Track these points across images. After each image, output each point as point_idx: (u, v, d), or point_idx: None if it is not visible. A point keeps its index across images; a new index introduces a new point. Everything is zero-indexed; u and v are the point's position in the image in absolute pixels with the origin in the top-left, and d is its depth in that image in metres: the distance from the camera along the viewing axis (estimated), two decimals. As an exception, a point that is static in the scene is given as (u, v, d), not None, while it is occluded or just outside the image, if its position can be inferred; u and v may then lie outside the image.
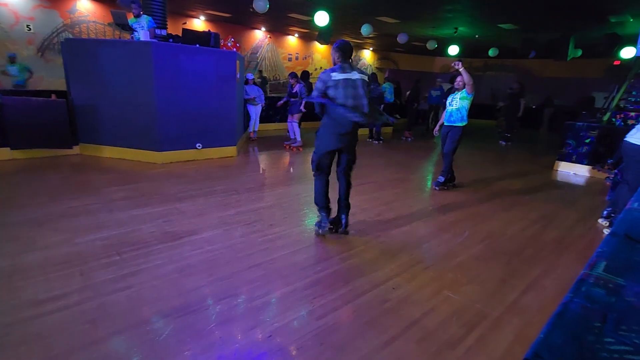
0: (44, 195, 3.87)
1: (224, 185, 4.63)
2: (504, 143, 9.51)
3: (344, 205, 3.23)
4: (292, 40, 15.07)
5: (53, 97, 5.86)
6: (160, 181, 4.64)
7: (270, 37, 14.49)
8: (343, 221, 3.23)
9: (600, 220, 3.96)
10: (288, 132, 7.45)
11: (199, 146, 5.71)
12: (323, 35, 11.04)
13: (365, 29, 10.38)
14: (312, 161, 3.14)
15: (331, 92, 2.87)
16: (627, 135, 3.38)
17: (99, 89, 5.39)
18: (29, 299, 2.14)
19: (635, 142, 3.24)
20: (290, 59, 15.16)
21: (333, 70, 2.88)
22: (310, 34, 13.98)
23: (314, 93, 2.95)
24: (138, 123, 5.35)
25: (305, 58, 15.61)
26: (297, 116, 6.97)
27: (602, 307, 0.69)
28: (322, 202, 3.16)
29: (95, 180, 4.49)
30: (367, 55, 17.91)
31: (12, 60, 8.48)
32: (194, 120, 5.58)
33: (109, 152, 5.56)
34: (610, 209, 3.87)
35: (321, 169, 3.10)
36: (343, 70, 2.88)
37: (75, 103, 5.47)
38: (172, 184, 4.51)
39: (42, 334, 1.87)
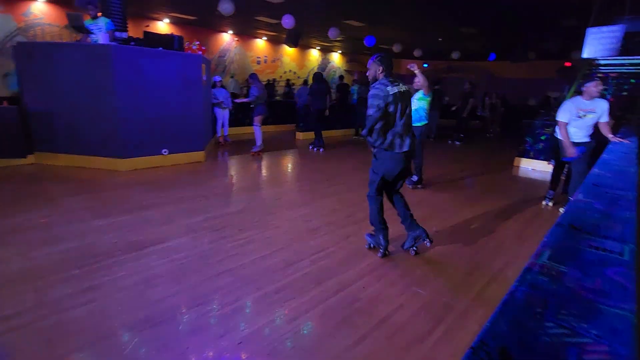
0: (-6, 208, 3.62)
1: (191, 191, 4.51)
2: (457, 143, 9.66)
3: (413, 219, 2.98)
4: (261, 43, 14.95)
5: (5, 104, 5.51)
6: (125, 189, 4.45)
7: (237, 40, 14.31)
8: (424, 234, 2.95)
9: (544, 202, 4.64)
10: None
11: (165, 152, 5.53)
12: (291, 38, 11.04)
13: (333, 33, 10.49)
14: (372, 182, 2.87)
15: (392, 109, 2.63)
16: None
17: (55, 95, 5.11)
18: (-24, 320, 1.99)
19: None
20: (259, 62, 15.03)
21: (385, 85, 2.64)
22: (278, 37, 13.93)
23: (370, 111, 2.63)
24: (100, 129, 5.12)
25: (274, 61, 15.54)
26: (257, 119, 6.74)
27: (544, 293, 0.73)
28: (382, 223, 2.92)
29: (52, 191, 4.24)
30: (335, 58, 18.10)
31: None
32: (159, 126, 5.40)
33: (68, 161, 5.27)
34: (552, 192, 4.63)
35: (380, 191, 2.92)
36: (393, 84, 2.66)
37: (29, 110, 5.15)
38: (137, 192, 4.35)
39: (-9, 357, 1.74)
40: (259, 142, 6.85)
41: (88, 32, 5.23)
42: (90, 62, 4.95)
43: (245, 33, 14.16)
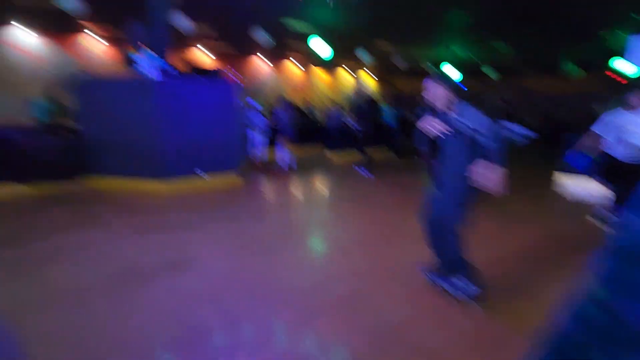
0: (41, 230, 3.91)
1: (228, 212, 4.66)
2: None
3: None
4: (294, 68, 15.57)
5: (63, 131, 6.04)
6: (165, 210, 4.68)
7: (272, 65, 14.96)
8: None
9: (595, 221, 4.31)
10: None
11: (202, 174, 5.79)
12: (324, 62, 11.42)
13: (365, 55, 10.68)
14: (450, 217, 2.43)
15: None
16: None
17: (105, 123, 5.56)
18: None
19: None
20: (293, 87, 15.60)
21: (466, 110, 2.37)
22: (311, 61, 14.45)
23: (495, 143, 2.26)
24: (142, 153, 5.47)
25: (308, 85, 16.08)
26: (284, 140, 7.10)
27: (593, 325, 0.69)
28: (467, 262, 2.49)
29: (101, 211, 4.54)
30: (365, 79, 18.33)
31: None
32: (197, 149, 5.70)
33: (114, 184, 5.65)
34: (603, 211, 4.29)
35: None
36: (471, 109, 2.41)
37: (84, 137, 5.63)
38: (176, 213, 4.55)
39: (45, 371, 1.86)
40: (289, 162, 7.10)
41: (136, 64, 5.70)
42: (136, 93, 5.36)
43: (279, 58, 14.81)
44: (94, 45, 13.83)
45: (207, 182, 5.89)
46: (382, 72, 17.90)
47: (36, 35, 11.77)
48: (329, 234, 3.97)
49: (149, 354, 2.00)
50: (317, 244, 3.66)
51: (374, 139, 10.20)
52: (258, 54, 14.44)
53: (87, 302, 2.50)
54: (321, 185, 6.84)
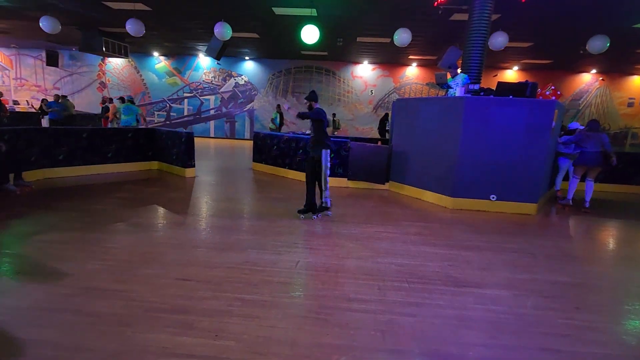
0: (361, 217, 4.98)
1: (516, 244, 4.18)
2: None
3: None
4: (635, 81, 11.73)
5: (379, 143, 7.50)
6: (450, 225, 4.81)
7: (602, 79, 11.97)
8: None
9: None
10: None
11: (493, 198, 5.49)
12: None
13: None
14: None
15: None
16: None
17: (412, 139, 6.40)
18: (345, 294, 2.80)
19: None
20: (631, 104, 11.83)
21: None
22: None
23: None
24: (438, 169, 5.86)
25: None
26: (576, 170, 5.95)
27: None
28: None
29: (396, 214, 5.29)
30: None
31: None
32: (493, 171, 5.44)
33: (409, 191, 6.42)
34: None
35: None
36: None
37: (393, 149, 6.76)
38: (460, 231, 4.58)
39: (349, 325, 2.39)
40: (588, 198, 5.91)
41: (449, 87, 6.18)
42: (445, 112, 5.78)
43: (614, 70, 11.61)
44: (412, 72, 16.20)
45: (498, 206, 5.53)
46: None
47: (372, 66, 15.15)
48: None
49: (425, 354, 2.13)
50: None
51: None
52: (587, 68, 11.95)
53: (384, 286, 2.98)
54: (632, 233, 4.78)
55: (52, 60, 15.14)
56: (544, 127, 5.31)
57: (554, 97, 6.64)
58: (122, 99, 10.00)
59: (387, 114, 13.06)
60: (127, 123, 9.08)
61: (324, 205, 4.84)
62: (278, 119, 12.06)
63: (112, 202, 5.13)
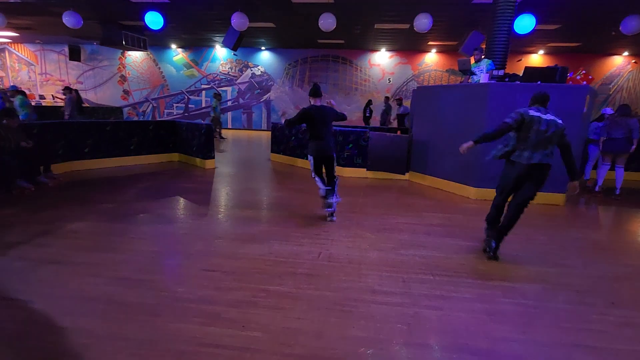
0: (382, 208, 4.92)
1: (544, 235, 4.05)
2: None
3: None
4: (676, 63, 11.08)
5: (398, 133, 7.35)
6: (473, 216, 4.70)
7: (635, 62, 11.36)
8: None
9: None
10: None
11: (518, 188, 5.31)
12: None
13: None
14: None
15: None
16: None
17: (433, 127, 6.23)
18: (369, 286, 2.78)
19: None
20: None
21: None
22: None
23: None
24: (461, 159, 5.69)
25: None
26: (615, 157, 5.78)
27: None
28: None
29: (418, 204, 5.20)
30: None
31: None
32: (519, 160, 5.25)
33: (430, 182, 6.29)
34: None
35: None
36: None
37: (413, 138, 6.62)
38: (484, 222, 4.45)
39: (374, 317, 2.37)
40: (619, 185, 5.75)
41: (472, 73, 5.96)
42: (468, 100, 5.59)
43: (650, 52, 10.99)
44: (432, 59, 15.77)
45: (522, 196, 5.35)
46: None
47: (390, 54, 14.84)
48: None
49: (454, 348, 2.09)
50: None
51: None
52: (619, 50, 11.36)
53: (408, 278, 2.95)
54: None
55: (74, 55, 15.51)
56: (574, 113, 5.07)
57: (584, 82, 6.33)
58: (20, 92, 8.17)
59: (370, 101, 12.93)
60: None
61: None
62: (219, 109, 12.28)
63: (136, 194, 5.25)
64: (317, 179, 4.30)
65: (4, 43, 16.55)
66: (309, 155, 4.26)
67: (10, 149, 4.96)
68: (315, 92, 4.13)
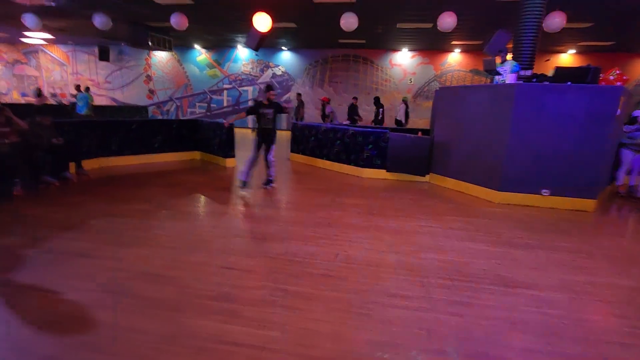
0: (401, 210, 4.86)
1: (571, 243, 3.89)
2: None
3: None
4: None
5: (419, 134, 7.24)
6: (497, 221, 4.57)
7: (676, 62, 10.79)
8: None
9: None
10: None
11: (545, 192, 5.13)
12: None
13: None
14: None
15: None
16: None
17: (456, 129, 6.10)
18: (386, 289, 2.75)
19: None
20: None
21: None
22: None
23: None
24: (484, 161, 5.56)
25: None
26: None
27: None
28: None
29: (438, 207, 5.10)
30: None
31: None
32: (546, 164, 5.07)
33: (452, 184, 6.16)
34: None
35: None
36: None
37: (435, 140, 6.50)
38: (508, 227, 4.33)
39: (392, 321, 2.34)
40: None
41: (497, 73, 5.80)
42: (493, 101, 5.43)
43: (691, 51, 10.38)
44: (455, 59, 15.44)
45: (550, 202, 5.16)
46: None
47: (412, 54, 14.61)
48: None
49: (474, 356, 2.04)
50: None
51: None
52: (655, 48, 10.82)
53: (427, 282, 2.90)
54: None
55: (104, 55, 16.07)
56: (606, 115, 4.84)
57: (619, 83, 6.04)
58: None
59: (355, 98, 11.95)
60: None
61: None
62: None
63: (160, 191, 5.39)
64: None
65: (40, 45, 17.36)
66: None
67: (43, 146, 5.20)
68: (268, 89, 5.53)
